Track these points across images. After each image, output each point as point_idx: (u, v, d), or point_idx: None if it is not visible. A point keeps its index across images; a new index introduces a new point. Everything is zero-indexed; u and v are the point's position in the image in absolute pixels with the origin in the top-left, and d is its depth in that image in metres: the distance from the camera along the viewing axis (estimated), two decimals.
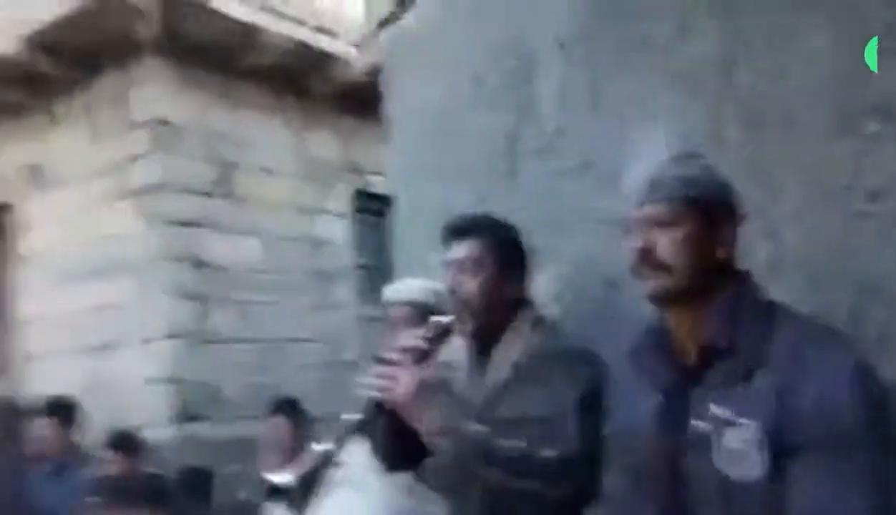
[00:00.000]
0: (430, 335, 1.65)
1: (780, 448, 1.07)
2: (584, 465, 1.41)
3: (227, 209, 4.57)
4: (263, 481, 2.86)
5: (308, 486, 1.49)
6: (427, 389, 1.54)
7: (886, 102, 1.45)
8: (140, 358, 4.30)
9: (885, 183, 1.44)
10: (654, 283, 1.23)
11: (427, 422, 1.50)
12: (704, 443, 1.14)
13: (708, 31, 1.74)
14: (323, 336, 4.84)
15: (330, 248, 5.13)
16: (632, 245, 1.25)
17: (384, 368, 1.58)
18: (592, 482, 1.38)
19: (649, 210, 1.24)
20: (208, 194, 4.52)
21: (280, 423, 3.49)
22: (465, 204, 2.28)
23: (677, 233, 1.21)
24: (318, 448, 1.53)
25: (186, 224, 4.40)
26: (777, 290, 1.30)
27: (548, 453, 1.43)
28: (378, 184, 4.73)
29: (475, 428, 1.47)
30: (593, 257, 1.94)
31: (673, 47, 1.81)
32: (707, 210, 1.23)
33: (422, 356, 1.62)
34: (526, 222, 1.80)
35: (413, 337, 1.64)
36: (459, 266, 1.71)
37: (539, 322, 1.69)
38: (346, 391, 4.72)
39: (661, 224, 1.22)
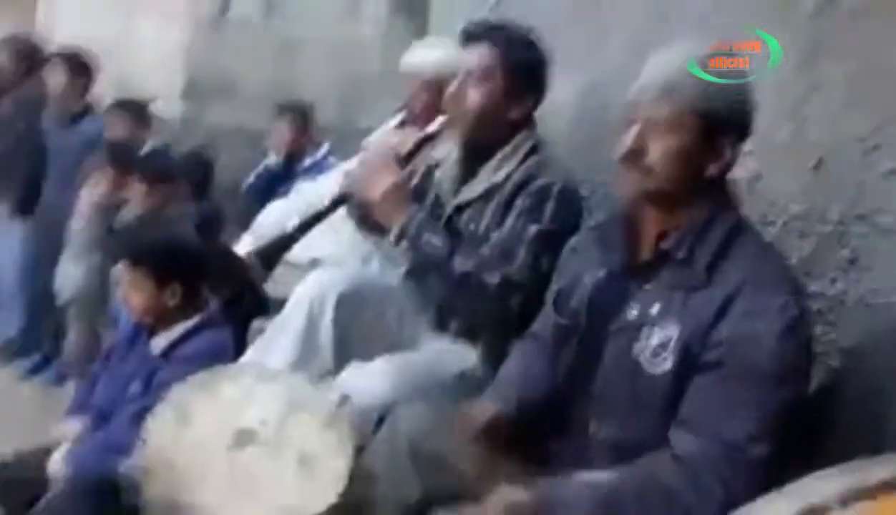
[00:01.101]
0: (417, 139, 1.68)
1: (692, 359, 1.18)
2: (523, 296, 1.53)
3: None
4: None
5: (266, 260, 1.60)
6: (400, 192, 1.61)
7: None
8: (161, 32, 4.21)
9: None
10: (634, 184, 1.25)
11: (393, 224, 1.58)
12: (629, 331, 1.25)
13: None
14: (348, 43, 4.70)
15: None
16: (624, 139, 1.24)
17: (363, 163, 1.63)
18: (526, 312, 1.51)
19: (653, 109, 1.22)
20: None
21: (284, 127, 3.65)
22: None
23: (674, 142, 1.21)
24: (282, 228, 1.62)
25: None
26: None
27: (490, 277, 1.53)
28: None
29: (435, 241, 1.56)
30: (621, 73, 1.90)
31: None
32: (713, 125, 1.21)
33: (405, 157, 1.66)
34: None
35: (402, 137, 1.67)
36: (466, 73, 1.68)
37: (534, 149, 1.70)
38: (362, 103, 4.76)
39: (661, 128, 1.21)
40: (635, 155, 1.22)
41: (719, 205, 1.25)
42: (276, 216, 2.47)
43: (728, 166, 1.26)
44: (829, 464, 1.08)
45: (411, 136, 1.77)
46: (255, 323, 1.99)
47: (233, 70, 4.31)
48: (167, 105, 4.15)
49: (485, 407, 1.37)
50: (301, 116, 3.72)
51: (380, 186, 1.60)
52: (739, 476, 1.10)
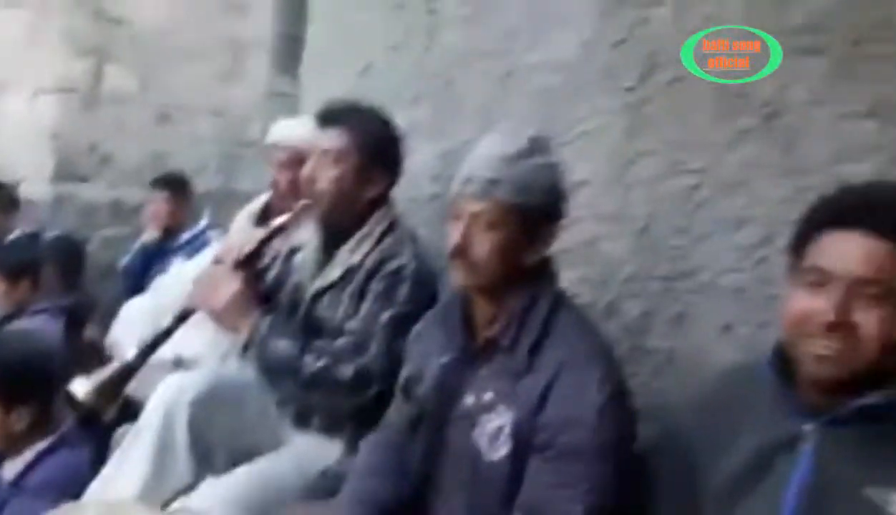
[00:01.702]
0: (260, 238, 1.67)
1: (526, 443, 1.23)
2: (379, 383, 1.54)
3: None
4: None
5: (109, 394, 1.55)
6: (242, 301, 1.59)
7: None
8: (27, 109, 4.07)
9: None
10: (461, 276, 1.30)
11: (241, 332, 1.57)
12: (468, 418, 1.29)
13: None
14: (227, 109, 4.68)
15: (247, 13, 4.80)
16: (452, 234, 1.29)
17: (206, 275, 1.61)
18: (384, 398, 1.52)
19: (475, 207, 1.27)
20: None
21: (161, 198, 3.55)
22: None
23: (496, 236, 1.27)
24: (124, 358, 1.58)
25: None
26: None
27: (345, 370, 1.54)
28: None
29: (283, 345, 1.56)
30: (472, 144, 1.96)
31: None
32: (531, 216, 1.27)
33: (248, 259, 1.65)
34: None
35: (248, 240, 1.65)
36: (320, 155, 1.68)
37: (391, 228, 1.71)
38: (244, 168, 4.73)
39: (484, 224, 1.26)
40: (462, 250, 1.27)
41: (539, 288, 1.31)
42: (133, 319, 2.40)
43: (546, 250, 1.32)
44: None
45: (257, 234, 1.75)
46: (120, 430, 1.91)
47: (107, 145, 4.20)
48: (38, 186, 4.00)
49: None
50: (178, 188, 3.63)
51: (221, 297, 1.58)
52: None
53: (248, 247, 1.67)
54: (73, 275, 3.21)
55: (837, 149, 1.32)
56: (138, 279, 3.43)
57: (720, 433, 1.15)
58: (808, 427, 1.06)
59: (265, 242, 1.69)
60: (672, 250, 1.54)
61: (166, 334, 1.62)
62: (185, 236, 3.53)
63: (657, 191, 1.57)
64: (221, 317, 1.60)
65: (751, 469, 1.10)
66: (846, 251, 1.02)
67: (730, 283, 1.46)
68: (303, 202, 1.77)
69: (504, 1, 1.90)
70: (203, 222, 3.59)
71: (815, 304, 1.03)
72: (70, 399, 1.60)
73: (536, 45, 1.81)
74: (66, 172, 4.08)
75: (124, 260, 3.60)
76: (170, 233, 3.54)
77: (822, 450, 1.04)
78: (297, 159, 2.28)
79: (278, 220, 1.70)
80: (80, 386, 1.54)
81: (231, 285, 1.60)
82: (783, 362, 1.10)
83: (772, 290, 1.37)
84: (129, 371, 1.59)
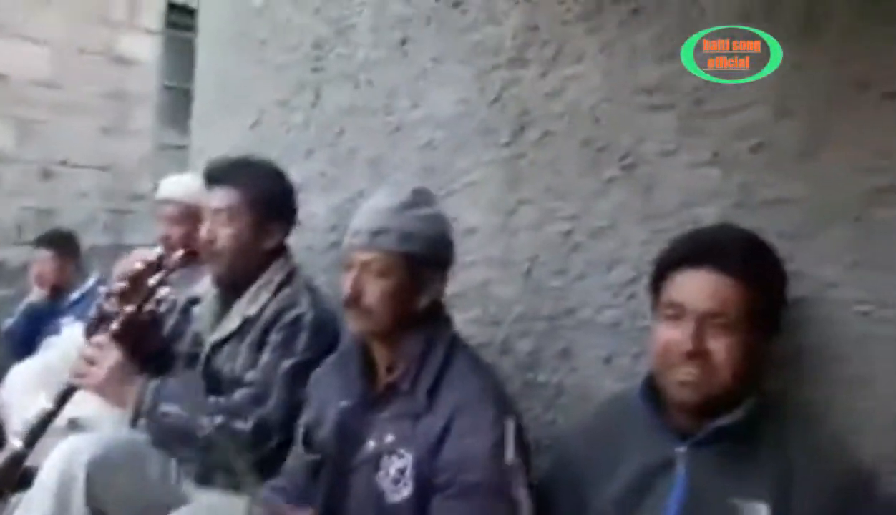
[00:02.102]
0: (132, 307, 1.63)
1: (427, 483, 1.29)
2: (279, 433, 1.55)
3: (14, 10, 4.02)
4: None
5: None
6: (124, 371, 1.56)
7: None
8: None
9: None
10: (356, 323, 1.36)
11: (127, 404, 1.55)
12: (371, 461, 1.34)
13: None
14: (113, 162, 4.58)
15: (132, 67, 4.73)
16: (345, 284, 1.35)
17: (83, 351, 1.58)
18: (285, 447, 1.53)
19: (363, 256, 1.35)
20: None
21: (47, 256, 3.42)
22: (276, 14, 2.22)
23: (386, 283, 1.34)
24: (11, 446, 1.52)
25: None
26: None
27: (243, 425, 1.54)
28: None
29: (173, 410, 1.54)
30: (365, 193, 2.03)
31: None
32: (417, 263, 1.36)
33: (122, 330, 1.61)
34: None
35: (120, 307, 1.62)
36: (214, 214, 1.71)
37: (289, 278, 1.74)
38: (132, 223, 4.61)
39: (373, 272, 1.34)
40: (355, 298, 1.34)
41: (435, 332, 1.39)
42: (23, 381, 2.31)
43: (437, 295, 1.41)
44: None
45: (122, 299, 1.68)
46: (13, 498, 1.82)
47: None
48: None
49: None
50: (64, 246, 3.49)
51: (100, 373, 1.54)
52: None
53: (123, 316, 1.62)
54: None
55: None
56: (24, 341, 3.28)
57: (603, 460, 1.25)
58: (679, 449, 1.17)
59: (141, 305, 1.65)
60: (554, 291, 1.66)
61: (51, 415, 1.54)
62: (75, 295, 3.41)
63: (537, 236, 1.69)
64: (104, 392, 1.56)
65: (632, 492, 1.20)
66: (696, 287, 1.15)
67: (606, 319, 1.58)
68: (178, 253, 1.77)
69: (383, 63, 2.00)
70: (92, 280, 3.48)
71: (675, 335, 1.15)
72: None
73: (418, 104, 1.92)
74: None
75: (8, 323, 3.43)
76: (58, 291, 3.41)
77: (693, 469, 1.16)
78: (187, 214, 2.30)
79: (151, 282, 1.66)
80: None
81: (109, 357, 1.56)
82: (654, 390, 1.22)
83: (644, 323, 1.50)
84: (18, 458, 1.50)
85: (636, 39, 1.54)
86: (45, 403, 1.54)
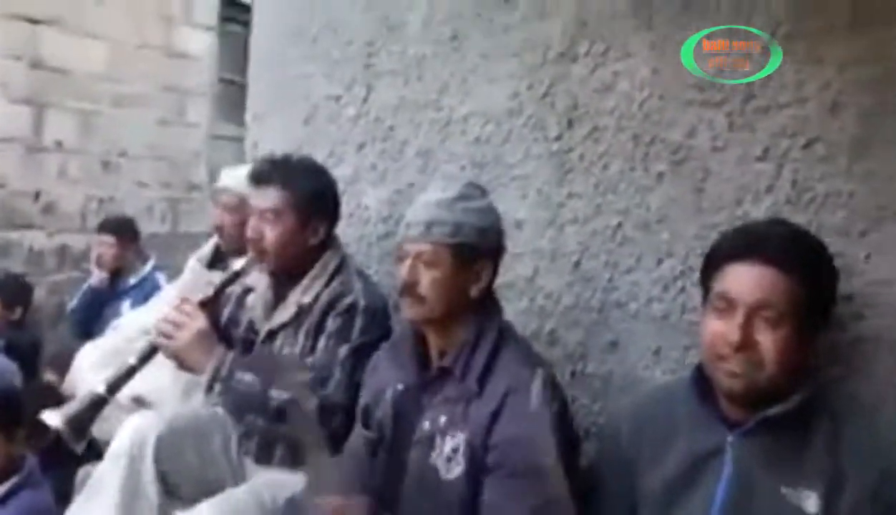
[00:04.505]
0: (221, 281, 1.76)
1: (479, 462, 1.35)
2: (341, 414, 1.63)
3: (77, 6, 4.18)
4: None
5: (77, 428, 1.60)
6: (206, 338, 1.66)
7: None
8: None
9: None
10: (411, 311, 1.42)
11: (205, 370, 1.64)
12: (426, 442, 1.40)
13: None
14: (170, 153, 4.74)
15: (189, 61, 4.88)
16: (400, 273, 1.41)
17: (170, 314, 1.68)
18: (347, 428, 1.61)
19: (416, 247, 1.41)
20: None
21: (108, 241, 3.57)
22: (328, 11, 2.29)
23: (437, 273, 1.40)
24: (92, 390, 1.63)
25: (24, 18, 4.02)
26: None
27: (309, 403, 1.59)
28: None
29: (248, 379, 1.63)
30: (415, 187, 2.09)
31: None
32: (468, 254, 1.41)
33: (210, 300, 1.73)
34: None
35: (208, 282, 1.73)
36: (260, 215, 1.77)
37: (340, 268, 1.81)
38: (187, 212, 4.78)
39: (426, 262, 1.39)
40: (410, 286, 1.40)
41: (486, 319, 1.44)
42: (91, 361, 2.43)
43: (488, 285, 1.45)
44: None
45: (216, 278, 1.83)
46: (82, 471, 1.93)
47: (50, 191, 4.20)
48: None
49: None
50: (124, 232, 3.65)
51: (186, 336, 1.65)
52: None
53: (211, 289, 1.73)
54: (21, 312, 3.20)
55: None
56: (85, 322, 3.44)
57: (652, 445, 1.29)
58: (728, 438, 1.21)
59: (225, 285, 1.77)
60: (603, 283, 1.69)
61: (132, 371, 1.66)
62: (132, 280, 3.55)
63: (586, 229, 1.72)
64: (186, 355, 1.66)
65: (680, 479, 1.24)
66: (746, 279, 1.18)
67: (655, 312, 1.61)
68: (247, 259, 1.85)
69: (433, 59, 2.04)
70: (149, 265, 3.62)
71: (723, 327, 1.18)
72: (36, 433, 1.62)
73: (467, 100, 1.96)
74: (10, 220, 4.05)
75: (71, 304, 3.60)
76: (116, 275, 3.56)
77: (741, 458, 1.19)
78: (240, 203, 2.38)
79: (238, 264, 1.78)
80: (52, 417, 1.57)
81: (195, 323, 1.66)
82: (704, 380, 1.25)
83: (693, 317, 1.52)
84: (98, 403, 1.61)
85: (687, 35, 1.55)
86: (131, 360, 1.64)
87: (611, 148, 1.68)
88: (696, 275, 1.32)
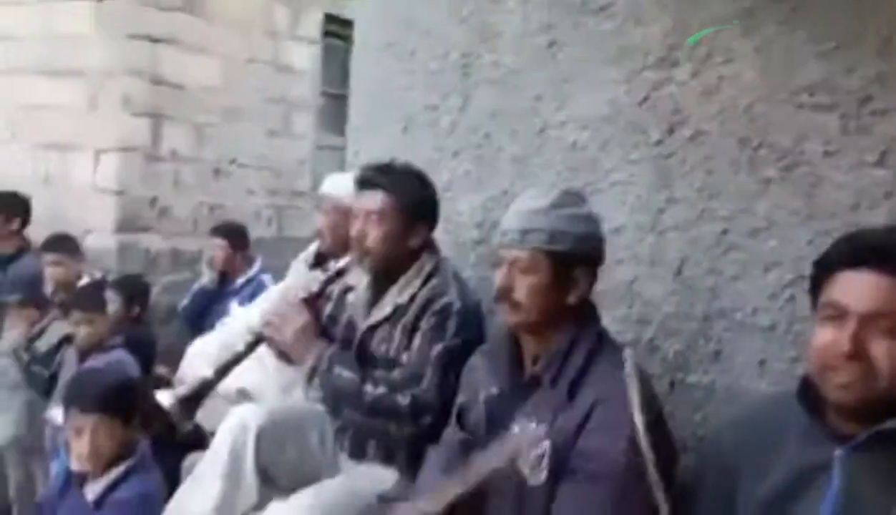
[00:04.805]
0: (324, 278, 1.82)
1: (561, 469, 1.34)
2: (433, 412, 1.66)
3: (191, 25, 4.45)
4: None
5: (187, 407, 1.69)
6: (309, 333, 1.74)
7: None
8: (90, 167, 4.33)
9: None
10: (508, 317, 1.43)
11: (306, 363, 1.71)
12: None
13: None
14: (276, 163, 4.94)
15: (294, 74, 5.08)
16: (497, 279, 1.42)
17: (277, 308, 1.76)
18: (437, 427, 1.64)
19: (514, 254, 1.42)
20: (173, 8, 4.38)
21: (220, 244, 3.78)
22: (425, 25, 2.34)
23: (534, 280, 1.40)
24: (201, 374, 1.73)
25: (146, 37, 4.31)
26: None
27: (402, 399, 1.66)
28: (350, 9, 4.59)
29: (346, 374, 1.69)
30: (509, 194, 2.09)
31: None
32: (565, 261, 1.40)
33: (315, 296, 1.80)
34: None
35: (310, 280, 1.80)
36: (365, 216, 1.83)
37: (436, 270, 1.85)
38: (292, 218, 4.97)
39: (523, 269, 1.40)
40: (506, 292, 1.41)
41: (581, 327, 1.43)
42: (202, 351, 2.57)
43: (586, 292, 1.44)
44: None
45: (320, 276, 1.91)
46: (189, 459, 2.05)
47: (166, 197, 4.45)
48: (102, 237, 4.25)
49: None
50: (235, 236, 3.85)
51: (290, 329, 1.73)
52: None
53: (314, 285, 1.81)
54: (139, 310, 3.41)
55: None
56: (197, 319, 3.63)
57: (755, 456, 1.24)
58: (837, 453, 1.15)
59: (328, 282, 1.84)
60: (706, 291, 1.65)
61: (239, 358, 1.77)
62: (240, 281, 3.74)
63: (688, 235, 1.68)
64: (291, 347, 1.74)
65: (784, 493, 1.19)
66: (858, 287, 1.12)
67: (762, 322, 1.55)
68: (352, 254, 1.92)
69: (529, 68, 2.05)
70: (256, 267, 3.80)
71: (834, 337, 1.13)
72: (149, 421, 1.72)
73: (564, 106, 1.95)
74: (128, 224, 4.33)
75: (183, 303, 3.82)
76: (226, 277, 3.76)
77: (850, 474, 1.13)
78: (341, 209, 2.47)
79: (340, 263, 1.85)
80: (165, 397, 1.69)
81: (299, 318, 1.75)
82: (812, 392, 1.20)
83: (802, 327, 1.46)
84: (206, 386, 1.73)
85: (795, 37, 1.50)
86: (239, 347, 1.75)
87: (715, 152, 1.64)
88: (806, 285, 1.27)
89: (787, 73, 1.52)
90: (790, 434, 1.22)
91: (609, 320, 1.64)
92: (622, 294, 1.79)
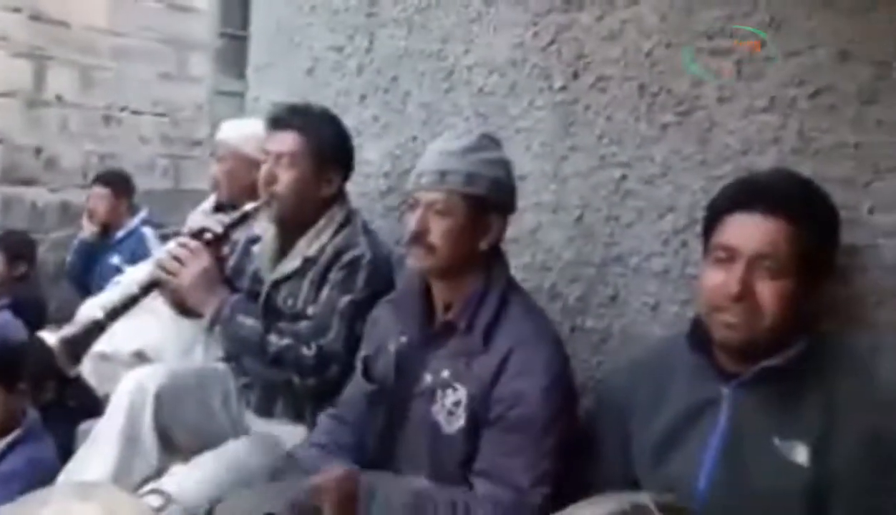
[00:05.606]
0: (228, 221, 1.73)
1: (479, 416, 1.35)
2: (339, 363, 1.62)
3: None
4: None
5: (73, 350, 1.57)
6: (211, 277, 1.64)
7: None
8: None
9: None
10: (420, 261, 1.40)
11: (206, 310, 1.63)
12: (427, 394, 1.40)
13: None
14: (171, 108, 4.68)
15: (190, 13, 4.80)
16: (411, 222, 1.40)
17: (175, 250, 1.66)
18: (343, 379, 1.61)
19: (429, 196, 1.39)
20: None
21: (102, 193, 3.52)
22: None
23: (450, 222, 1.38)
24: (91, 315, 1.61)
25: None
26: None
27: (307, 350, 1.61)
28: None
29: (249, 322, 1.63)
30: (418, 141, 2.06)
31: None
32: (480, 205, 1.39)
33: (216, 239, 1.70)
34: None
35: (213, 222, 1.71)
36: (275, 158, 1.74)
37: (346, 222, 1.79)
38: (189, 169, 4.73)
39: (439, 211, 1.37)
40: (420, 235, 1.38)
41: (492, 274, 1.43)
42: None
43: (497, 239, 1.44)
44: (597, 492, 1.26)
45: (224, 219, 1.80)
46: (83, 426, 1.94)
47: (52, 148, 4.17)
48: None
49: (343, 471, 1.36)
50: (119, 185, 3.58)
51: (190, 273, 1.62)
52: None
53: (218, 228, 1.71)
54: (25, 268, 3.21)
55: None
56: (82, 277, 3.42)
57: (648, 395, 1.29)
58: (724, 389, 1.20)
59: (233, 226, 1.74)
60: (604, 237, 1.68)
61: (132, 299, 1.63)
62: (120, 233, 3.49)
63: (589, 182, 1.70)
64: (188, 293, 1.63)
65: (676, 429, 1.24)
66: (747, 230, 1.16)
67: (656, 266, 1.60)
68: (260, 199, 1.83)
69: (436, 7, 2.00)
70: (137, 219, 3.55)
71: (722, 278, 1.17)
72: (38, 389, 1.61)
73: (471, 50, 1.92)
74: (11, 176, 4.04)
75: (69, 259, 3.58)
76: (107, 229, 3.50)
77: (736, 409, 1.19)
78: (239, 157, 2.37)
79: (246, 207, 1.75)
80: (49, 337, 1.56)
81: (199, 261, 1.64)
82: (701, 333, 1.24)
83: (694, 271, 1.51)
84: (96, 327, 1.58)
85: None
86: (133, 290, 1.61)
87: (616, 98, 1.65)
88: (698, 229, 1.31)
89: (688, 17, 1.53)
90: (681, 373, 1.27)
91: (513, 268, 1.64)
92: (527, 242, 1.81)
